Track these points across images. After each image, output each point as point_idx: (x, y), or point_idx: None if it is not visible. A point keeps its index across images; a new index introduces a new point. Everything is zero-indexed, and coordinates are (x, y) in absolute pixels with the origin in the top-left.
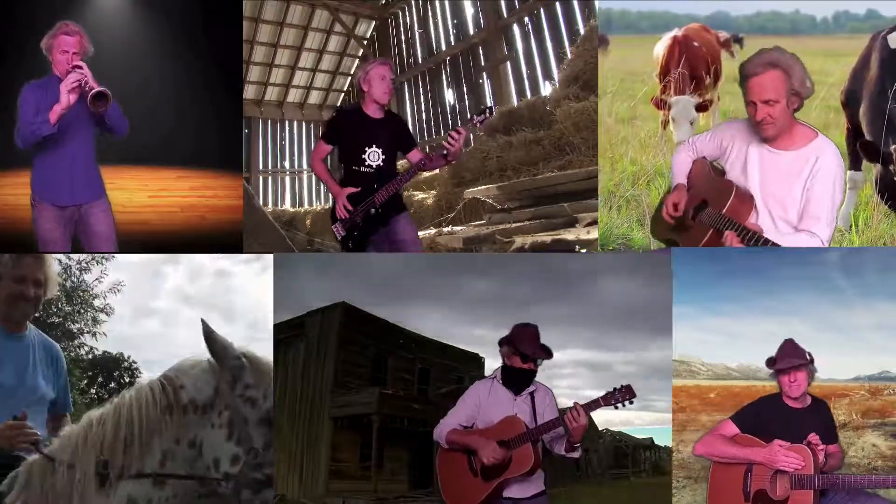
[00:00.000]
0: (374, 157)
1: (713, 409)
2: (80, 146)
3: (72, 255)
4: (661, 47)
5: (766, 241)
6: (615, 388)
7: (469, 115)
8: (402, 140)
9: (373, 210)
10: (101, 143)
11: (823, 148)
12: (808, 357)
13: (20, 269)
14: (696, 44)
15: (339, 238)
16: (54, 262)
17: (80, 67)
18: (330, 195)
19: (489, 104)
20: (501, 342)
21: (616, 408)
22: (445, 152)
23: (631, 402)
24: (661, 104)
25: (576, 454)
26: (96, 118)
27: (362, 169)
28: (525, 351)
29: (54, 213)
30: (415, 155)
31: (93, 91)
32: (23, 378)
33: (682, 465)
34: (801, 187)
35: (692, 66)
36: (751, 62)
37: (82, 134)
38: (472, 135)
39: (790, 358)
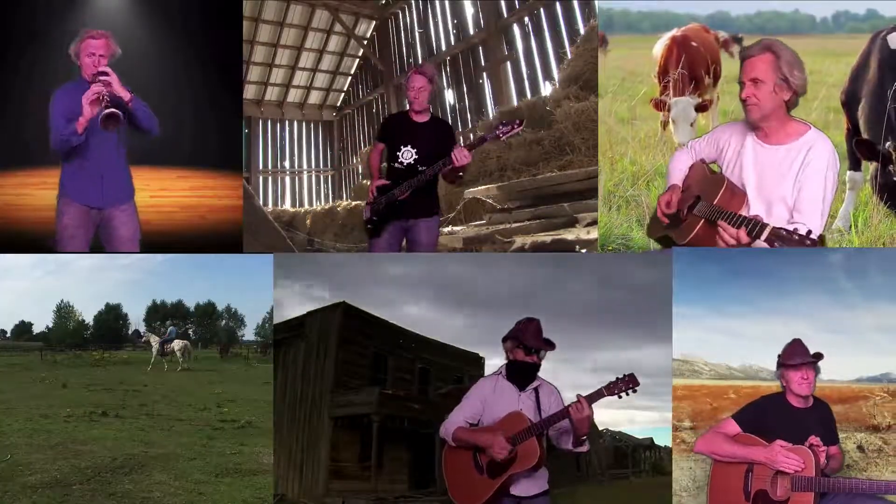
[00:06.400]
0: (406, 155)
1: (716, 410)
2: (109, 148)
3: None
4: (659, 47)
5: (764, 225)
6: (618, 378)
7: (494, 126)
8: (444, 143)
9: (397, 202)
10: None
11: (814, 141)
12: (817, 356)
13: None
14: (694, 44)
15: (364, 218)
16: None
17: (106, 74)
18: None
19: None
20: (505, 338)
21: (619, 397)
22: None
23: (634, 391)
24: (661, 105)
25: (583, 448)
26: (127, 118)
27: (395, 165)
28: (529, 343)
29: (80, 212)
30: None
31: (104, 112)
32: None
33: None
34: (792, 180)
35: (691, 67)
36: (749, 47)
37: (112, 136)
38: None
39: (804, 355)
